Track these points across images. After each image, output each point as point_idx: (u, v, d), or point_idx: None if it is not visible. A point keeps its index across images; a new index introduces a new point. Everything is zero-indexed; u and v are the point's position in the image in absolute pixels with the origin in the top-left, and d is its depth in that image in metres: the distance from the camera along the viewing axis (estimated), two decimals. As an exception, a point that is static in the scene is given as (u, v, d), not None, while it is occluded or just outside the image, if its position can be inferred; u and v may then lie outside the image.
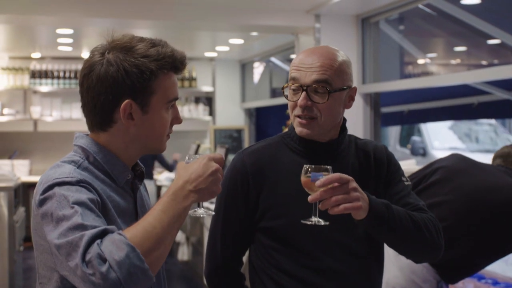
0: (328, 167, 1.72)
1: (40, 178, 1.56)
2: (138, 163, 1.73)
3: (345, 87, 1.93)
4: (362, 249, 1.94)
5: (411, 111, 7.68)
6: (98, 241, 1.37)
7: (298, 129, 1.95)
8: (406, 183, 2.03)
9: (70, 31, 6.56)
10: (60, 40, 7.29)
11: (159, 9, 5.57)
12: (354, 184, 1.71)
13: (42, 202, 1.48)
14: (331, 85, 1.89)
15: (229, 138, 9.27)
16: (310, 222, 1.74)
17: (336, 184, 1.67)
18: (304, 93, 1.89)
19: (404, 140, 11.25)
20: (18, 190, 5.52)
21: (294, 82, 1.92)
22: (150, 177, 7.85)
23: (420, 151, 10.74)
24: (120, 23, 5.62)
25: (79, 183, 1.49)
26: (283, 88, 1.98)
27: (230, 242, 2.03)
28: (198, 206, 1.69)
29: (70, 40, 7.34)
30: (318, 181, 1.66)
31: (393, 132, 11.29)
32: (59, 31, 6.56)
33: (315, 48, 1.97)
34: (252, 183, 1.96)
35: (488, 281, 3.39)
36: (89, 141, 1.63)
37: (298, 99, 1.90)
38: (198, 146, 8.18)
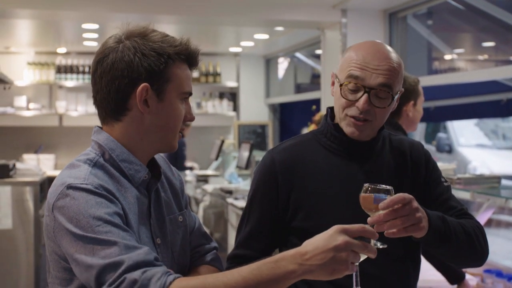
0: (390, 187, 1.62)
1: (55, 179, 1.52)
2: (156, 163, 1.67)
3: (400, 90, 1.87)
4: (398, 250, 1.86)
5: (438, 107, 7.56)
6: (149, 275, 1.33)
7: (349, 130, 1.85)
8: (445, 184, 1.96)
9: (95, 26, 6.58)
10: (85, 35, 7.32)
11: (184, 4, 5.56)
12: (415, 203, 1.63)
13: (57, 210, 1.44)
14: (393, 90, 1.82)
15: (253, 134, 9.24)
16: None
17: (399, 205, 1.59)
18: (366, 95, 1.80)
19: (430, 137, 11.12)
20: (44, 184, 5.54)
21: (356, 81, 1.81)
22: (182, 168, 7.83)
23: (445, 148, 10.61)
24: (145, 18, 5.61)
25: (97, 189, 1.44)
26: (341, 85, 1.84)
27: (255, 239, 1.96)
28: (356, 285, 1.52)
29: (95, 35, 7.36)
30: (382, 203, 1.58)
31: (418, 129, 11.11)
32: (85, 26, 6.58)
33: (378, 47, 1.84)
34: (282, 182, 1.90)
35: (518, 282, 3.32)
36: (105, 136, 1.58)
37: (356, 99, 1.81)
38: (222, 142, 8.16)
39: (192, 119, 1.64)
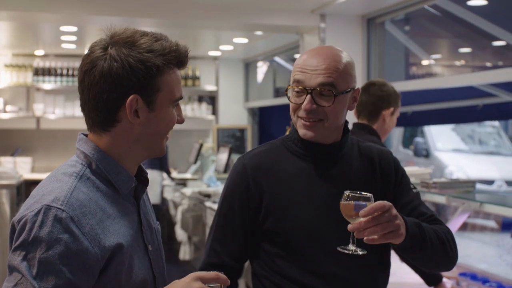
0: (370, 195, 1.67)
1: (36, 190, 1.48)
2: (142, 168, 1.64)
3: (349, 89, 1.90)
4: (368, 253, 1.85)
5: (415, 112, 7.64)
6: None
7: (302, 132, 1.90)
8: (414, 190, 2.02)
9: (73, 28, 6.55)
10: (63, 37, 7.28)
11: (163, 8, 5.55)
12: (394, 211, 1.67)
13: (20, 226, 1.39)
14: (337, 88, 1.85)
15: (232, 138, 9.25)
16: (348, 251, 1.71)
17: (378, 212, 1.63)
18: (309, 96, 1.85)
19: (407, 141, 11.23)
20: (21, 187, 5.51)
21: (298, 85, 1.88)
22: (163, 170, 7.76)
23: (423, 153, 10.72)
24: (124, 21, 5.60)
25: (69, 221, 1.38)
26: (286, 90, 1.94)
27: (226, 245, 1.97)
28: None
29: (73, 38, 7.32)
30: (362, 211, 1.62)
31: (396, 133, 11.26)
32: (63, 28, 6.55)
33: (319, 49, 1.92)
34: (253, 186, 1.93)
35: (492, 285, 3.36)
36: (92, 147, 1.52)
37: (302, 102, 1.86)
38: (201, 145, 8.16)
39: (182, 121, 1.61)
